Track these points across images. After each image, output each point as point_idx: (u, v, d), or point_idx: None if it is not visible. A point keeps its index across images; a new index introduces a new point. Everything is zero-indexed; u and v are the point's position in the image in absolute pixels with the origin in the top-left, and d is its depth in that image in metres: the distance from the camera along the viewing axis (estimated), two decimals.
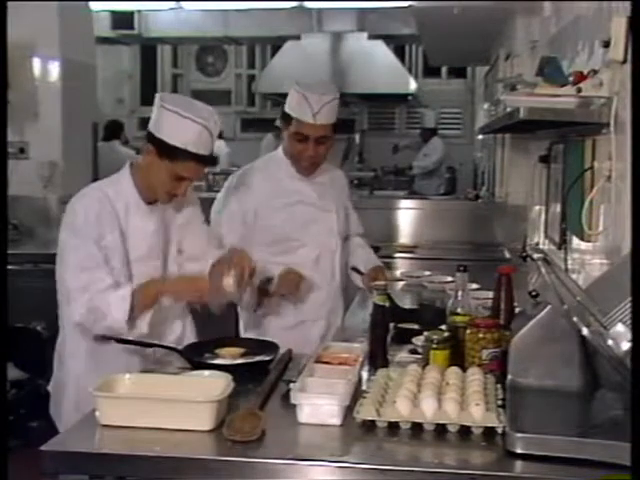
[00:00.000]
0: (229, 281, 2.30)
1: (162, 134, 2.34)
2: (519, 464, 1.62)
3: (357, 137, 9.78)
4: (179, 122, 2.32)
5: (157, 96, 2.41)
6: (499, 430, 1.73)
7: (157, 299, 2.38)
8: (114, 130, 7.22)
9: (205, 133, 2.34)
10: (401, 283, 3.89)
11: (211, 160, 2.42)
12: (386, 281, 2.86)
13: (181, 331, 2.58)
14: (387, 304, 2.33)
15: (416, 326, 2.62)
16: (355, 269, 3.14)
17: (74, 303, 2.33)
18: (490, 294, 2.50)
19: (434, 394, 1.83)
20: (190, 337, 2.60)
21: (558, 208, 3.29)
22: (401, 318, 2.62)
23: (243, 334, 3.00)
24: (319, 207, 3.01)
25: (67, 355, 2.50)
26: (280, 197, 2.93)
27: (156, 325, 2.41)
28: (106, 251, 2.37)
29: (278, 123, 3.14)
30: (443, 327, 2.32)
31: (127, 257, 2.42)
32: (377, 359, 2.25)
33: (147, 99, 10.73)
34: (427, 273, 3.95)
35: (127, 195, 2.44)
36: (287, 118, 2.87)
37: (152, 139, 2.36)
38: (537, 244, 4.10)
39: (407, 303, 3.38)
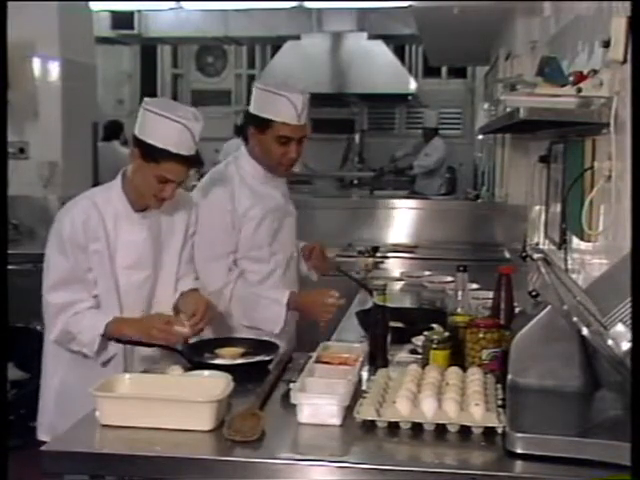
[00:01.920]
0: (183, 330, 2.32)
1: (145, 136, 2.35)
2: (519, 464, 1.62)
3: (357, 137, 9.78)
4: (160, 123, 2.33)
5: (144, 101, 2.42)
6: (499, 430, 1.73)
7: (123, 337, 2.38)
8: (114, 130, 7.23)
9: (186, 133, 2.33)
10: (401, 283, 3.89)
11: (194, 161, 2.41)
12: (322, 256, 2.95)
13: None
14: (387, 304, 2.33)
15: (401, 324, 2.63)
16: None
17: (52, 321, 2.38)
18: (490, 294, 2.50)
19: (434, 394, 1.83)
20: None
21: (558, 208, 3.29)
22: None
23: None
24: (285, 212, 2.92)
25: (50, 362, 2.52)
26: (257, 206, 2.78)
27: None
28: (92, 259, 2.39)
29: (238, 122, 3.00)
30: (434, 325, 2.31)
31: (114, 266, 2.43)
32: (377, 359, 2.25)
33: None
34: (427, 273, 3.95)
35: (116, 203, 2.45)
36: (262, 121, 2.70)
37: (137, 142, 2.38)
38: (537, 244, 4.10)
39: (407, 303, 3.39)
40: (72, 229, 2.38)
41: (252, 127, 2.77)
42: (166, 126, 2.32)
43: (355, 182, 8.72)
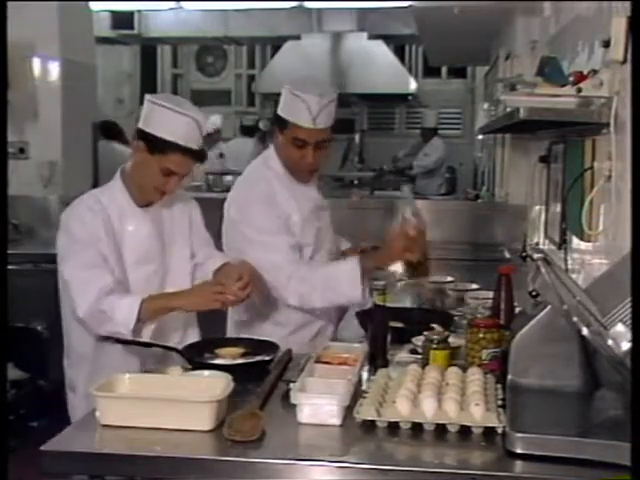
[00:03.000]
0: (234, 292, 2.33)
1: (151, 128, 2.36)
2: (519, 464, 1.62)
3: (357, 137, 9.77)
4: (169, 116, 2.35)
5: (146, 96, 2.43)
6: (499, 430, 1.73)
7: (165, 312, 2.39)
8: (107, 130, 7.19)
9: (195, 126, 2.36)
10: (401, 283, 3.89)
11: (200, 154, 2.43)
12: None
13: (182, 335, 2.59)
14: (387, 304, 2.33)
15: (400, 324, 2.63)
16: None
17: (78, 298, 2.33)
18: (490, 294, 2.50)
19: (434, 394, 1.83)
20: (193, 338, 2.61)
21: (558, 208, 3.29)
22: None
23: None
24: (322, 207, 2.90)
25: (75, 356, 2.51)
26: (298, 210, 2.74)
27: (159, 330, 2.41)
28: (102, 256, 2.39)
29: (262, 126, 3.02)
30: (434, 325, 2.31)
31: (122, 262, 2.43)
32: (377, 359, 2.25)
33: None
34: None
35: (120, 200, 2.47)
36: (282, 122, 2.66)
37: (142, 135, 2.39)
38: (537, 244, 4.10)
39: (407, 303, 3.39)
40: (82, 227, 2.38)
41: (276, 128, 2.74)
42: (174, 119, 2.34)
43: (355, 182, 8.71)
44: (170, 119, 2.35)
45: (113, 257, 2.41)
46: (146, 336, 2.36)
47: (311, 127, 2.61)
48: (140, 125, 2.40)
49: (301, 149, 2.65)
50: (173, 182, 2.42)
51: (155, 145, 2.36)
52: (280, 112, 2.68)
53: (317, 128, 2.62)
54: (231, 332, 2.86)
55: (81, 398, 2.44)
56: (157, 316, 2.36)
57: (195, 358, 2.27)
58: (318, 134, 2.64)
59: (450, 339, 2.26)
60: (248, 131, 8.62)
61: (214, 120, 7.62)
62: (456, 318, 2.86)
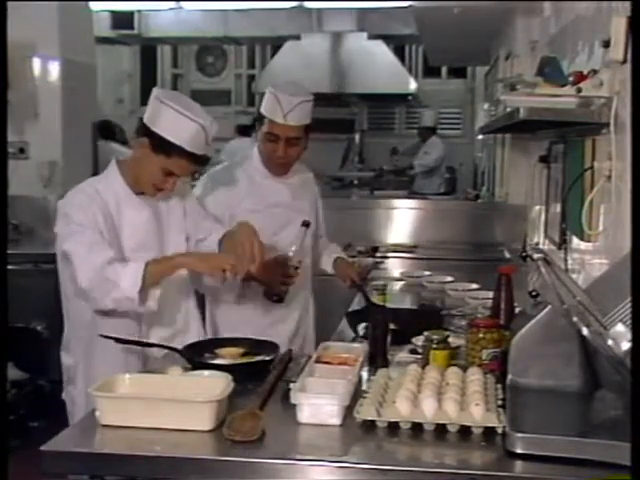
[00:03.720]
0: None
1: (159, 129, 2.35)
2: (519, 464, 1.62)
3: (357, 137, 9.78)
4: (177, 119, 2.34)
5: (154, 90, 2.43)
6: (499, 430, 1.73)
7: (170, 272, 2.37)
8: (106, 130, 7.19)
9: (202, 133, 2.36)
10: (401, 283, 3.89)
11: (203, 160, 2.44)
12: (357, 273, 2.99)
13: (184, 322, 2.60)
14: (387, 304, 2.33)
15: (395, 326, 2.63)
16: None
17: (80, 269, 2.30)
18: (490, 294, 2.50)
19: (434, 394, 1.83)
20: (195, 328, 2.62)
21: (558, 208, 3.29)
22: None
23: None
24: (293, 209, 3.00)
25: (74, 342, 2.50)
26: (256, 199, 2.93)
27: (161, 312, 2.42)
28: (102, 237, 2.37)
29: (247, 122, 3.18)
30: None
31: (122, 249, 2.43)
32: (377, 359, 2.25)
33: (147, 99, 10.71)
34: (427, 273, 3.95)
35: (117, 188, 2.46)
36: (261, 119, 2.91)
37: (147, 132, 2.38)
38: (537, 244, 4.10)
39: (407, 303, 3.39)
40: (80, 212, 2.36)
41: (257, 122, 3.00)
42: (183, 124, 2.34)
43: (355, 182, 8.72)
44: (178, 122, 2.34)
45: (112, 244, 2.39)
46: (152, 304, 2.32)
47: (282, 123, 2.81)
48: (146, 121, 2.39)
49: (273, 143, 2.86)
50: (171, 182, 2.42)
51: (160, 145, 2.35)
52: (261, 109, 2.92)
53: (288, 124, 2.82)
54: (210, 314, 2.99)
55: (81, 391, 2.43)
56: (162, 277, 2.33)
57: (195, 358, 2.27)
58: (289, 130, 2.84)
59: (450, 339, 2.27)
60: (243, 130, 8.64)
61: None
62: (456, 318, 2.87)
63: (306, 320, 3.15)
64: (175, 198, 2.59)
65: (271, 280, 2.81)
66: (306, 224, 2.86)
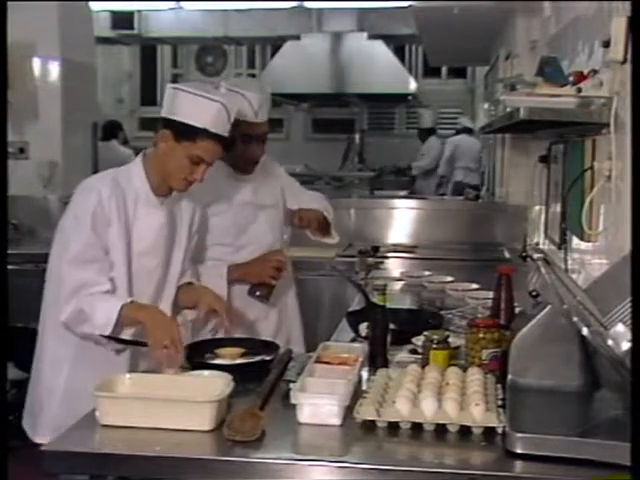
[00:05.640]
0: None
1: (179, 115, 2.32)
2: (519, 464, 1.62)
3: (357, 137, 9.78)
4: (197, 101, 2.31)
5: (169, 85, 2.40)
6: (499, 430, 1.73)
7: (135, 324, 2.34)
8: (112, 130, 7.21)
9: (224, 112, 2.33)
10: (401, 283, 3.89)
11: (228, 143, 2.40)
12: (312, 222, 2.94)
13: None
14: (387, 304, 2.33)
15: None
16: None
17: (66, 300, 2.28)
18: (490, 294, 2.50)
19: (434, 394, 1.83)
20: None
21: (558, 208, 3.29)
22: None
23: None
24: (256, 205, 2.93)
25: (49, 362, 2.46)
26: (219, 201, 2.84)
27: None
28: (112, 238, 2.33)
29: None
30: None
31: (129, 249, 2.38)
32: (377, 359, 2.25)
33: (147, 99, 10.75)
34: (427, 273, 3.95)
35: (137, 186, 2.40)
36: None
37: (168, 124, 2.34)
38: (537, 244, 4.10)
39: (407, 303, 3.39)
40: (100, 204, 2.30)
41: None
42: (203, 105, 2.31)
43: (355, 182, 8.72)
44: (198, 105, 2.30)
45: (121, 243, 2.35)
46: (126, 336, 2.34)
47: (256, 121, 2.75)
48: (164, 114, 2.35)
49: (247, 144, 2.79)
50: (201, 170, 2.36)
51: (183, 132, 2.31)
52: None
53: (260, 122, 2.77)
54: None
55: (59, 403, 2.40)
56: (133, 323, 2.32)
57: (195, 358, 2.27)
58: (262, 127, 2.80)
59: (450, 339, 2.27)
60: None
61: None
62: (456, 318, 2.87)
63: (288, 316, 3.08)
64: (186, 207, 2.55)
65: (261, 275, 2.79)
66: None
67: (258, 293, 2.81)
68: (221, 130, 2.34)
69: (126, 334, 2.34)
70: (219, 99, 2.33)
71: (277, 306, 3.00)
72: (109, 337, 2.32)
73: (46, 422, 2.42)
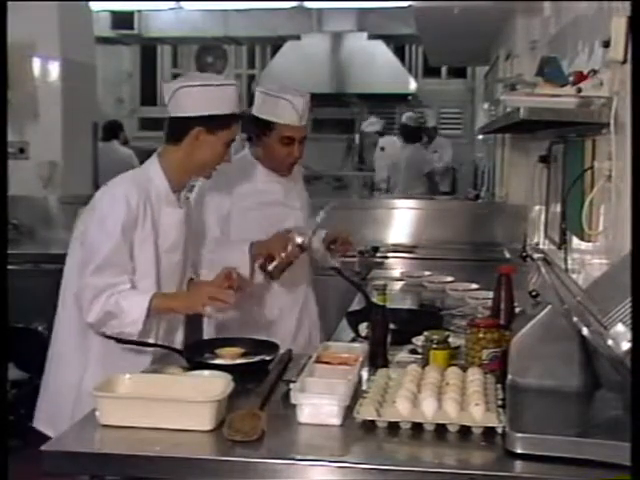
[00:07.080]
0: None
1: (205, 110, 2.40)
2: (519, 464, 1.62)
3: (357, 137, 9.78)
4: (214, 93, 2.42)
5: (175, 85, 2.44)
6: (499, 430, 1.73)
7: (166, 312, 2.42)
8: (112, 130, 7.22)
9: (237, 91, 2.48)
10: (401, 283, 3.89)
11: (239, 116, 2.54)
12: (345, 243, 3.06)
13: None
14: (387, 304, 2.33)
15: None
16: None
17: (90, 303, 2.29)
18: (490, 294, 2.50)
19: (434, 394, 1.83)
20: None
21: (558, 208, 3.29)
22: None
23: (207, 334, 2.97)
24: (287, 205, 3.04)
25: (68, 359, 2.46)
26: (254, 198, 2.95)
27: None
28: (139, 240, 2.36)
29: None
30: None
31: (157, 248, 2.42)
32: (377, 359, 2.25)
33: (147, 99, 10.75)
34: (427, 273, 3.95)
35: (158, 184, 2.45)
36: (267, 124, 2.88)
37: (195, 122, 2.41)
38: (537, 244, 4.10)
39: (407, 303, 3.39)
40: (129, 213, 2.33)
41: (255, 129, 2.94)
42: (221, 92, 2.44)
43: (355, 182, 8.71)
44: (216, 94, 2.42)
45: (150, 242, 2.39)
46: (153, 336, 2.39)
47: (299, 125, 2.87)
48: (185, 114, 2.41)
49: (288, 146, 2.89)
50: (229, 152, 2.51)
51: (218, 124, 2.42)
52: (260, 114, 2.91)
53: (302, 125, 2.89)
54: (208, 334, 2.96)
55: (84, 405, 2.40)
56: (160, 314, 2.38)
57: (195, 358, 2.27)
58: (303, 130, 2.91)
59: (450, 339, 2.27)
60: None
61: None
62: (456, 318, 2.87)
63: (307, 316, 3.15)
64: (190, 204, 2.65)
65: (274, 248, 2.78)
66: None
67: (269, 268, 2.80)
68: (235, 108, 2.47)
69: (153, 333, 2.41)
70: (232, 82, 2.52)
71: (296, 306, 3.09)
72: (110, 337, 2.33)
73: (56, 420, 2.38)
